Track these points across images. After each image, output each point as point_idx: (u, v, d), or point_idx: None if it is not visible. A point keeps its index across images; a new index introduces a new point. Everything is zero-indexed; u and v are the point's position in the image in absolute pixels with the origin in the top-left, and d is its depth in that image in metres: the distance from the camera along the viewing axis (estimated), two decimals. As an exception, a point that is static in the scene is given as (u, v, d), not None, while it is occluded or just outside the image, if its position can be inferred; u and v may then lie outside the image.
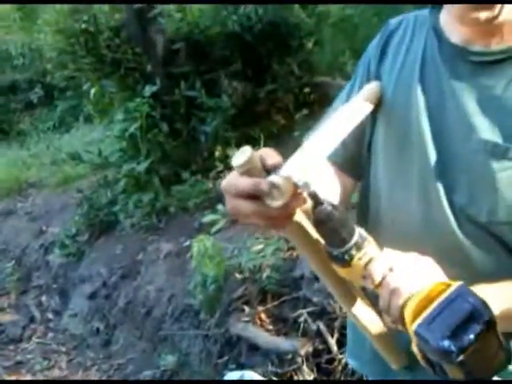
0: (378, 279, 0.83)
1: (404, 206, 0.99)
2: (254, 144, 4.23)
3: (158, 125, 4.15)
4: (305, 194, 0.81)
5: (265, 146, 4.17)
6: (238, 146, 4.21)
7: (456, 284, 0.77)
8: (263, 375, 2.56)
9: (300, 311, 2.65)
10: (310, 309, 2.63)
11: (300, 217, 0.87)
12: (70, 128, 7.16)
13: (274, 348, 2.64)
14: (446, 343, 0.73)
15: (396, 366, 1.00)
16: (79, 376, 3.55)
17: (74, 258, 4.38)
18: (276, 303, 2.80)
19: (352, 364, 1.23)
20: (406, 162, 0.99)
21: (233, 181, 0.82)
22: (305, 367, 2.49)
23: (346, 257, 0.82)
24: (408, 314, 0.78)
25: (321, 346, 2.51)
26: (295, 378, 2.53)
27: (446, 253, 0.93)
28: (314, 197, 0.80)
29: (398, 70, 1.03)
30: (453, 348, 0.73)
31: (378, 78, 1.06)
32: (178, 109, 4.19)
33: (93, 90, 4.58)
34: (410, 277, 0.82)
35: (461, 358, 0.73)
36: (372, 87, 1.05)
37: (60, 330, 4.11)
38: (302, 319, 2.62)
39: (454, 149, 0.93)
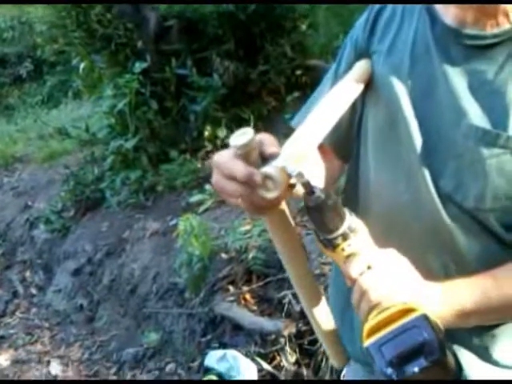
0: (353, 276, 0.84)
1: (392, 188, 0.97)
2: (244, 125, 4.18)
3: (148, 102, 4.11)
4: (297, 183, 0.81)
5: (255, 127, 4.15)
6: (228, 126, 4.20)
7: (418, 312, 0.78)
8: (246, 355, 2.57)
9: (285, 292, 2.66)
10: (294, 290, 2.62)
11: (283, 205, 0.87)
12: (59, 103, 7.09)
13: (257, 328, 2.64)
14: (389, 371, 0.76)
15: (337, 363, 1.05)
16: (61, 351, 3.54)
17: (59, 234, 4.35)
18: (261, 284, 2.80)
19: None
20: (394, 144, 0.97)
21: (227, 161, 0.79)
22: (287, 348, 2.50)
23: (331, 244, 0.84)
24: (366, 328, 0.80)
25: (304, 328, 2.51)
26: (278, 358, 2.54)
27: (433, 236, 0.93)
28: (308, 185, 0.80)
29: (387, 49, 1.01)
30: (394, 377, 0.76)
31: (366, 55, 1.04)
32: (169, 87, 4.15)
33: (82, 65, 4.52)
34: (384, 281, 0.83)
35: None
36: (362, 65, 1.02)
37: (43, 305, 4.09)
38: (286, 300, 2.62)
39: (443, 133, 0.92)
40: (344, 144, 1.09)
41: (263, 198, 0.78)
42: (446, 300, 0.86)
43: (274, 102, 4.29)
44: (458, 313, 0.86)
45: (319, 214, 0.81)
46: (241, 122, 4.12)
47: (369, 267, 0.83)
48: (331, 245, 0.84)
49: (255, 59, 4.18)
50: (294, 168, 0.79)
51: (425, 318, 0.77)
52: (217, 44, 4.13)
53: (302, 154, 0.84)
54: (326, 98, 0.98)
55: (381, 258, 0.85)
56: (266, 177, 0.77)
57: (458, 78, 0.91)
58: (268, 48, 4.16)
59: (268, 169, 0.78)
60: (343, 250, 0.84)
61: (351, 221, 0.84)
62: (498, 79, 0.88)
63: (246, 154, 0.78)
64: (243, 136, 0.78)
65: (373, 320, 0.80)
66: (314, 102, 1.04)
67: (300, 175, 0.79)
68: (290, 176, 0.79)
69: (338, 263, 0.88)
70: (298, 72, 4.31)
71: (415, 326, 0.77)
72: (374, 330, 0.79)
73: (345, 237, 0.83)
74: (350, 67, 1.04)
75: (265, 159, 0.80)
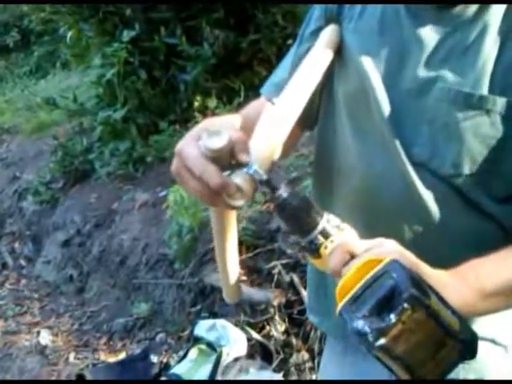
0: (336, 268, 0.76)
1: (366, 158, 0.95)
2: (234, 96, 4.15)
3: (137, 71, 4.04)
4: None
5: (245, 97, 4.10)
6: (219, 96, 4.15)
7: (387, 259, 0.69)
8: (235, 324, 2.58)
9: (274, 263, 2.66)
10: (284, 261, 2.63)
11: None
12: (47, 74, 6.99)
13: (247, 298, 2.65)
14: (361, 324, 0.64)
15: (229, 300, 1.08)
16: (51, 322, 3.55)
17: (47, 205, 4.32)
18: (251, 254, 2.80)
19: (312, 320, 1.19)
20: (366, 114, 0.94)
21: (197, 160, 0.76)
22: (277, 317, 2.51)
23: (313, 246, 0.77)
24: (337, 291, 0.71)
25: (293, 297, 2.52)
26: (267, 327, 2.55)
27: (406, 205, 0.91)
28: (270, 185, 0.77)
29: (357, 14, 0.98)
30: (367, 329, 0.63)
31: (336, 21, 1.00)
32: (158, 56, 4.07)
33: (69, 33, 4.44)
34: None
35: (381, 342, 0.63)
36: (331, 32, 0.99)
37: (33, 276, 4.09)
38: (275, 271, 2.62)
39: (415, 99, 0.89)
40: (307, 114, 1.04)
41: (228, 205, 0.77)
42: (457, 281, 0.79)
43: (265, 71, 4.22)
44: (478, 292, 0.79)
45: (288, 213, 0.77)
46: (231, 93, 4.07)
47: (353, 256, 0.75)
48: (314, 247, 0.77)
49: (246, 28, 4.11)
50: (262, 174, 0.77)
51: (395, 261, 0.68)
52: (206, 12, 4.05)
53: (273, 150, 0.82)
54: (297, 75, 0.94)
55: (367, 244, 0.77)
56: (237, 188, 0.76)
57: (428, 40, 0.88)
58: (259, 16, 4.08)
59: (239, 180, 0.77)
60: (326, 247, 0.76)
61: (329, 217, 0.78)
62: (469, 38, 0.86)
63: (218, 158, 0.76)
64: (218, 138, 0.75)
65: (342, 279, 0.72)
66: (282, 70, 1.05)
67: (262, 176, 0.77)
68: (257, 183, 0.78)
69: (325, 268, 0.79)
70: (290, 41, 4.23)
71: (385, 271, 0.67)
72: (343, 294, 0.70)
73: (325, 234, 0.76)
74: (318, 32, 1.00)
75: (233, 161, 0.78)
